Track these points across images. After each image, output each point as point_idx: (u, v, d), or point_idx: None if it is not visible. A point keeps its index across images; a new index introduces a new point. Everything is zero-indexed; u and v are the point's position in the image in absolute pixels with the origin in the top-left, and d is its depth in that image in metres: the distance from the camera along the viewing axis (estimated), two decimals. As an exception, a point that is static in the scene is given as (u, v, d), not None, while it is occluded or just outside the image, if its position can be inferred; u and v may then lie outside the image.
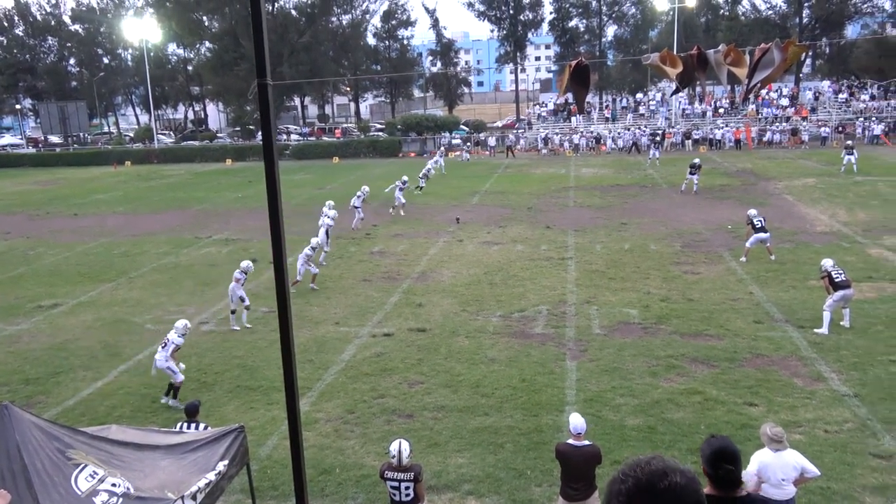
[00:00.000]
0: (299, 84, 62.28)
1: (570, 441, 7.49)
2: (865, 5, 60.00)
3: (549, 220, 25.53)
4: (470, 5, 66.95)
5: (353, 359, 13.38)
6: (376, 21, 70.49)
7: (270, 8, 64.33)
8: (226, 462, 6.67)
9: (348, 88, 73.92)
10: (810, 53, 62.15)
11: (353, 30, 68.35)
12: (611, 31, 67.03)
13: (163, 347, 11.88)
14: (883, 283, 16.33)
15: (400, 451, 7.23)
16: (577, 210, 27.61)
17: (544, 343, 13.73)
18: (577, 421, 7.51)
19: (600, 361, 12.64)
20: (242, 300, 15.32)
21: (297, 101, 73.50)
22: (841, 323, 13.68)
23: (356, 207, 25.68)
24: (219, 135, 70.78)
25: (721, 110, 54.19)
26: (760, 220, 18.76)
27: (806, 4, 60.07)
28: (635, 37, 64.91)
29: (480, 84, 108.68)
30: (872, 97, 54.01)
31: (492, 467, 9.31)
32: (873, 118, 49.25)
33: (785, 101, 54.83)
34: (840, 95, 55.30)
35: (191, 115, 79.56)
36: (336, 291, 18.02)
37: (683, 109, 54.81)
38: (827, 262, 14.01)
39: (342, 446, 10.07)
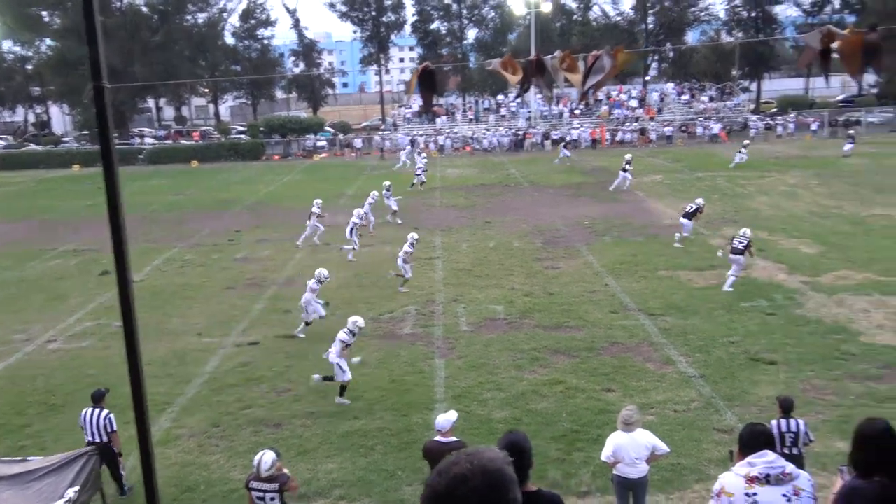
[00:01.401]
0: (153, 85, 59.26)
1: (438, 438, 7.60)
2: (703, 13, 64.66)
3: (417, 220, 25.74)
4: (332, 6, 66.28)
5: (217, 370, 12.92)
6: (234, 20, 68.31)
7: (119, 4, 60.84)
8: (76, 489, 6.27)
9: (206, 90, 71.20)
10: (656, 57, 66.12)
11: (209, 29, 65.85)
12: (472, 33, 68.48)
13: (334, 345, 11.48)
14: (723, 270, 17.65)
15: (259, 463, 7.06)
16: (443, 210, 28.01)
17: (413, 343, 13.84)
18: (441, 418, 7.63)
19: (468, 358, 12.90)
20: (317, 312, 14.53)
21: (151, 102, 69.90)
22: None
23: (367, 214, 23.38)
24: (64, 139, 66.10)
25: (577, 111, 56.68)
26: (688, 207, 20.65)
27: (651, 12, 63.93)
28: (495, 40, 66.62)
29: (345, 85, 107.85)
30: (711, 98, 58.37)
31: (362, 470, 9.28)
32: (712, 118, 53.24)
33: (634, 103, 58.15)
34: (683, 97, 59.34)
35: (31, 118, 73.78)
36: (198, 301, 17.32)
37: (542, 111, 56.86)
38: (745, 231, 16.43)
39: (207, 462, 9.70)
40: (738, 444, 4.02)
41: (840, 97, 60.57)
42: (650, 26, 64.12)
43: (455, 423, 7.75)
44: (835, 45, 3.01)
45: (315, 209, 22.91)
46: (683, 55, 62.70)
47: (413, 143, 48.57)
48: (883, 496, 3.28)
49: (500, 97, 61.92)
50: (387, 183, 27.16)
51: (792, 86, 69.60)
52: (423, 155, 39.30)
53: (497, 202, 29.23)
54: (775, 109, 57.68)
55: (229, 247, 23.19)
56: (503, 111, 59.14)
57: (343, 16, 66.98)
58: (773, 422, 7.57)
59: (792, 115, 51.85)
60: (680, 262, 18.57)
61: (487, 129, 54.31)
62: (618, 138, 50.72)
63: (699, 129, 51.15)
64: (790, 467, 3.72)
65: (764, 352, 12.49)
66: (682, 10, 62.91)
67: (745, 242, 16.03)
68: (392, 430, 10.34)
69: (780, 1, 62.70)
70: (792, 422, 7.68)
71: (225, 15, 67.29)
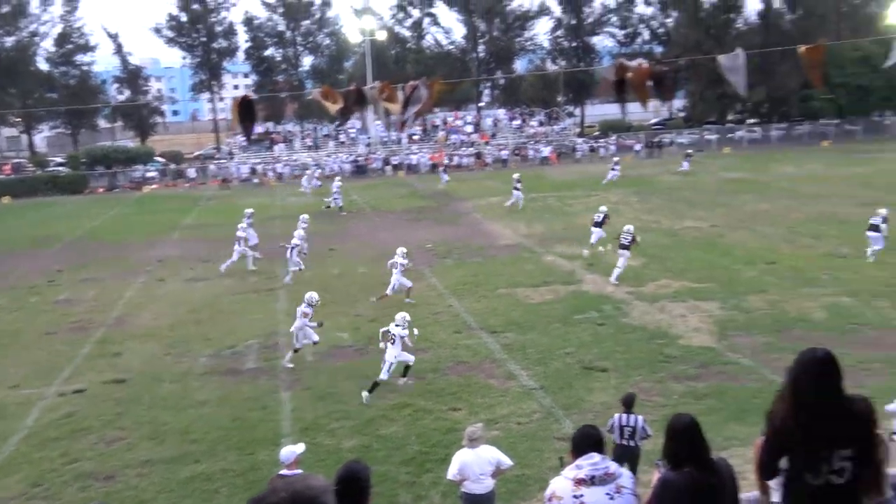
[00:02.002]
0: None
1: (283, 472, 7.40)
2: (528, 43, 68.28)
3: (258, 250, 25.02)
4: (157, 31, 63.48)
5: (37, 424, 11.84)
6: (48, 45, 63.52)
7: None
8: None
9: (18, 119, 65.54)
10: (488, 84, 68.85)
11: (19, 53, 60.78)
12: (308, 60, 68.02)
13: (392, 343, 12.23)
14: (557, 285, 18.62)
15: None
16: (285, 240, 27.40)
17: (257, 378, 13.42)
18: (285, 450, 7.48)
19: (315, 388, 12.69)
20: (308, 338, 13.93)
21: (-49, 133, 63.37)
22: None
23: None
24: None
25: (415, 137, 57.79)
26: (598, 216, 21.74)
27: (481, 41, 66.63)
28: (332, 67, 66.63)
29: (176, 113, 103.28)
30: (540, 123, 61.67)
31: (206, 516, 8.84)
32: (542, 141, 56.21)
33: (469, 128, 60.23)
34: (514, 122, 62.25)
35: None
36: (13, 349, 15.83)
37: (382, 137, 57.45)
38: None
39: (27, 526, 8.84)
40: (570, 448, 4.24)
41: (653, 120, 65.97)
42: (481, 55, 66.77)
43: (301, 456, 7.59)
44: (628, 76, 3.30)
45: (240, 232, 22.49)
46: (513, 82, 65.74)
47: (313, 168, 47.24)
48: (693, 485, 3.59)
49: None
50: (248, 211, 25.86)
51: (611, 110, 74.93)
52: (339, 179, 38.60)
53: (340, 229, 29.09)
54: (598, 133, 61.85)
55: (49, 288, 21.41)
56: (343, 137, 59.13)
57: (170, 41, 64.34)
58: (615, 416, 8.47)
59: (613, 138, 55.88)
60: (518, 280, 19.34)
61: (329, 155, 54.04)
62: (455, 162, 52.16)
63: (531, 153, 53.76)
64: (613, 467, 3.98)
65: (596, 360, 13.27)
66: (509, 40, 66.08)
67: (630, 238, 18.41)
68: (237, 470, 9.94)
69: (597, 32, 67.65)
70: (631, 417, 8.42)
71: (37, 38, 62.47)
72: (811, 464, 3.24)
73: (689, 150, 45.19)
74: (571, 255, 21.84)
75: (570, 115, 67.26)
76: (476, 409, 11.42)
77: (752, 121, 63.06)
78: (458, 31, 67.17)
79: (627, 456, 8.32)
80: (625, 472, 4.02)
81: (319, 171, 46.73)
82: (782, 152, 48.66)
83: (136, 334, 16.38)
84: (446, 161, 49.39)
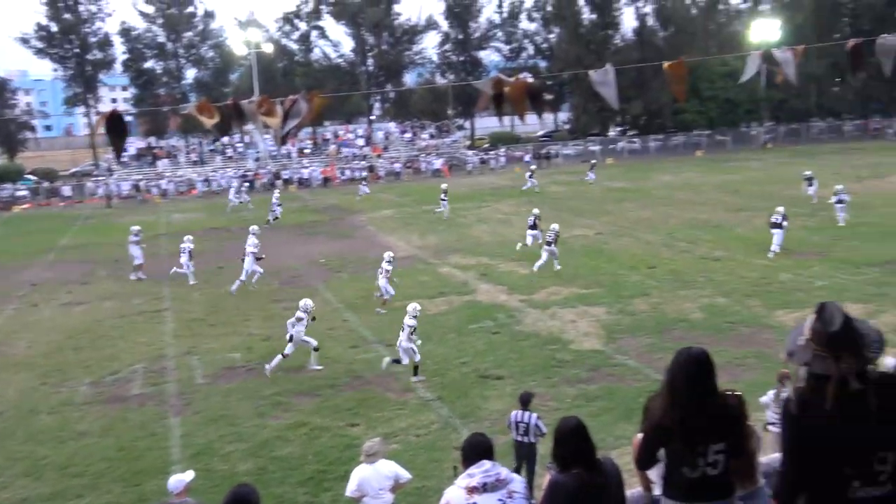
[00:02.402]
0: None
1: (172, 501, 7.09)
2: (417, 57, 68.90)
3: (142, 270, 23.94)
4: (24, 41, 59.70)
5: None
6: None
7: None
8: None
9: None
10: (378, 98, 68.91)
11: None
12: (191, 73, 65.82)
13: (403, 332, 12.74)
14: (452, 296, 18.80)
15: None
16: (170, 258, 26.35)
17: (143, 404, 12.81)
18: (173, 479, 7.16)
19: (206, 412, 12.24)
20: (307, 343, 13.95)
21: None
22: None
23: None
24: None
25: (306, 151, 57.04)
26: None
27: (370, 55, 66.65)
28: (216, 80, 64.75)
29: (49, 128, 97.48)
30: (431, 136, 62.26)
31: (89, 554, 8.33)
32: (433, 154, 56.77)
33: (361, 142, 60.04)
34: (406, 135, 62.57)
35: None
36: None
37: (271, 151, 56.35)
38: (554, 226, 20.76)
39: None
40: (461, 457, 4.28)
41: (540, 133, 68.00)
42: (370, 68, 66.79)
43: (191, 483, 7.28)
44: (505, 90, 3.39)
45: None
46: (403, 96, 66.14)
47: (241, 180, 45.25)
48: (581, 486, 3.70)
49: (226, 138, 60.26)
50: (135, 228, 24.30)
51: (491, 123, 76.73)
52: (278, 191, 37.02)
53: (229, 246, 28.23)
54: (488, 145, 63.12)
55: None
56: (230, 152, 57.58)
57: (40, 52, 60.66)
58: (512, 412, 9.01)
59: (503, 150, 57.14)
60: (413, 292, 19.33)
61: (215, 171, 52.48)
62: (347, 176, 51.85)
63: (423, 165, 54.17)
64: (505, 472, 4.05)
65: (492, 368, 13.48)
66: (398, 54, 66.45)
67: (553, 235, 20.58)
68: (123, 503, 9.43)
69: (484, 47, 69.15)
70: (526, 414, 8.87)
71: None
72: (688, 458, 3.41)
73: (594, 160, 46.77)
74: (465, 266, 22.13)
75: (461, 127, 68.30)
76: (374, 424, 11.35)
77: (631, 133, 66.22)
78: (347, 45, 66.89)
79: (525, 453, 8.63)
80: (516, 478, 4.10)
81: (247, 184, 45.15)
82: (660, 162, 51.34)
83: (7, 364, 15.31)
84: (339, 175, 49.06)
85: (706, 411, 3.42)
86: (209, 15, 63.68)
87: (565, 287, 18.99)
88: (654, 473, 3.71)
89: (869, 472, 2.78)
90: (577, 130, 65.38)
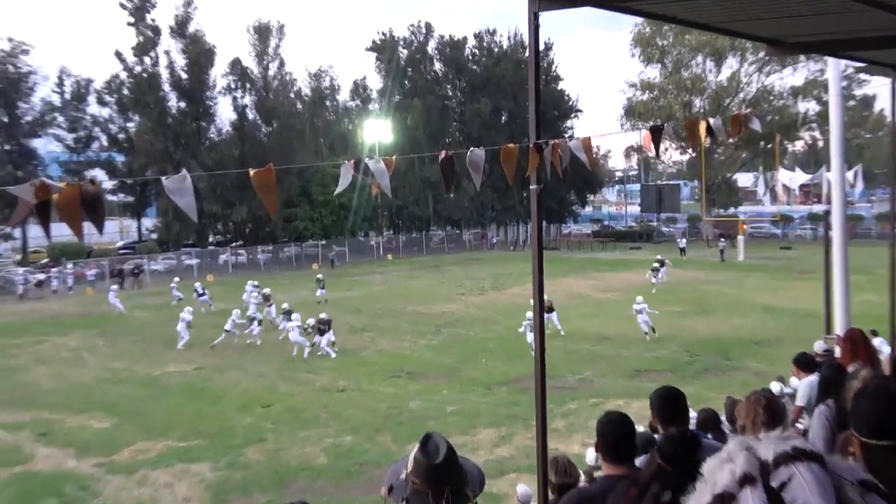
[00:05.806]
0: None
1: None
2: None
3: None
4: None
5: None
6: None
7: None
8: None
9: None
10: None
11: None
12: None
13: None
14: (-6, 470, 16.59)
15: None
16: None
17: None
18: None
19: None
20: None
21: None
22: None
23: None
24: None
25: None
26: None
27: None
28: None
29: None
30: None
31: None
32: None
33: None
34: None
35: None
36: None
37: None
38: None
39: None
40: None
41: (120, 243, 65.47)
42: None
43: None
44: (54, 197, 3.18)
45: None
46: None
47: None
48: None
49: None
50: None
51: (64, 231, 72.10)
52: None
53: None
54: (47, 260, 58.46)
55: None
56: None
57: None
58: None
59: (70, 267, 53.37)
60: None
61: None
62: None
63: None
64: None
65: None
66: None
67: (326, 324, 26.08)
68: None
69: (39, 134, 65.05)
70: None
71: None
72: None
73: (320, 275, 43.70)
74: (15, 425, 19.78)
75: (7, 237, 62.52)
76: None
77: (236, 243, 67.18)
78: None
79: None
80: None
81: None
82: (272, 277, 52.61)
83: None
84: None
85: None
86: None
87: (157, 441, 18.02)
88: None
89: None
90: (168, 241, 64.21)
